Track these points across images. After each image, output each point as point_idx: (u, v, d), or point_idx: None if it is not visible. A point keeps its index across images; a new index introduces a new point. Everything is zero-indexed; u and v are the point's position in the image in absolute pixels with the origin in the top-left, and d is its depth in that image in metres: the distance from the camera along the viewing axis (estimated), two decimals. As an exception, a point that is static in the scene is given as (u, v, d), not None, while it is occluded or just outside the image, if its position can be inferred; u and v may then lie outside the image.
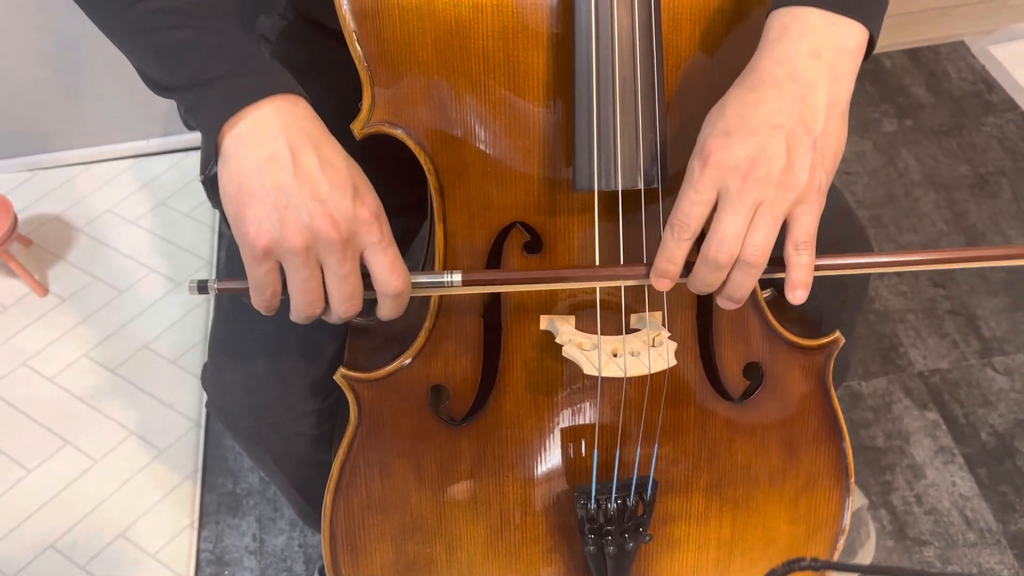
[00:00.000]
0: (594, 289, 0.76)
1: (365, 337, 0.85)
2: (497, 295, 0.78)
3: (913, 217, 1.68)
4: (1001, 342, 1.51)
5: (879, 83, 1.88)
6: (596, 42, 0.66)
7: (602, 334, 0.75)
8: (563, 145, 0.71)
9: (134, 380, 1.50)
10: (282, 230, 0.62)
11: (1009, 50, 1.92)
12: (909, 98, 1.86)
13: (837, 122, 0.64)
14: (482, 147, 0.72)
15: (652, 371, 0.74)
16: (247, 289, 0.67)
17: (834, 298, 0.89)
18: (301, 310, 0.66)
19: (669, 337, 0.75)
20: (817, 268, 0.66)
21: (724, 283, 0.66)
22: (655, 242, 0.74)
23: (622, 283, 0.72)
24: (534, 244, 0.76)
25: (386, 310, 0.68)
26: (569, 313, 0.78)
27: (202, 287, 0.68)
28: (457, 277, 0.68)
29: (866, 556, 1.27)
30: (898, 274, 1.60)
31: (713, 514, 0.86)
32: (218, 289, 0.69)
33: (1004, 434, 1.41)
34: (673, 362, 0.74)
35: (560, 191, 0.73)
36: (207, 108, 0.64)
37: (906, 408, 1.45)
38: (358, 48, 0.68)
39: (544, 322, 0.78)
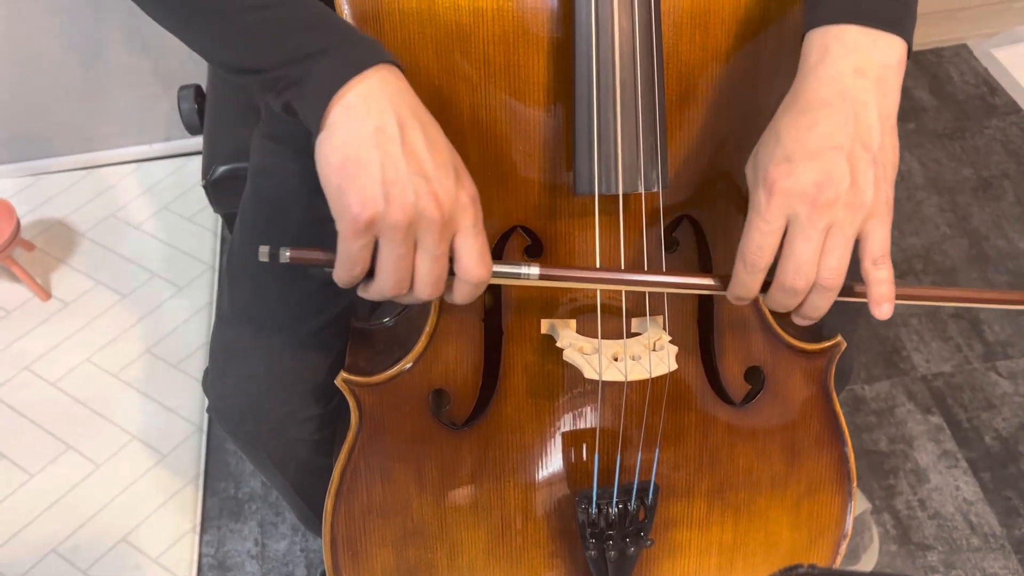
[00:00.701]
0: (595, 292, 0.75)
1: (366, 341, 0.85)
2: (498, 298, 0.78)
3: (916, 220, 1.68)
4: (1005, 346, 1.51)
5: (882, 86, 1.88)
6: (596, 46, 0.66)
7: (603, 338, 0.75)
8: (564, 149, 0.71)
9: (136, 385, 1.50)
10: (387, 205, 0.61)
11: (1012, 53, 1.92)
12: (912, 101, 1.86)
13: (891, 135, 0.64)
14: (482, 151, 0.72)
15: (653, 375, 0.74)
16: (324, 260, 0.65)
17: (835, 303, 0.89)
18: (388, 289, 0.64)
19: (670, 341, 0.75)
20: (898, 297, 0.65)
21: (801, 303, 0.66)
22: (655, 246, 0.74)
23: (704, 292, 0.71)
24: (535, 248, 0.76)
25: (461, 296, 0.66)
26: (570, 317, 0.78)
27: (273, 255, 0.65)
28: (535, 270, 0.67)
29: (869, 561, 1.27)
30: (902, 278, 1.60)
31: (715, 519, 0.86)
32: (291, 258, 0.66)
33: (1008, 438, 1.41)
34: (674, 366, 0.74)
35: (561, 195, 0.73)
36: (314, 81, 0.62)
37: (909, 412, 1.44)
38: (359, 52, 0.68)
39: (545, 326, 0.78)
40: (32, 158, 1.80)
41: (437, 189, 0.62)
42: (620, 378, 0.74)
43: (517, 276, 0.67)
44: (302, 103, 0.63)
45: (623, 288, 0.74)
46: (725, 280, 0.68)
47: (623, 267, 0.74)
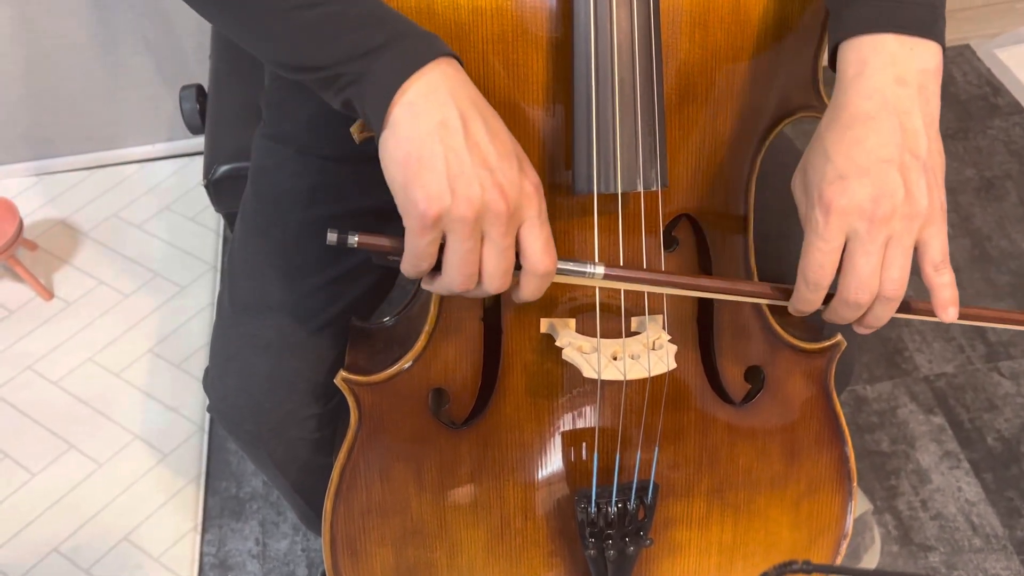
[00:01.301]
0: (594, 291, 0.75)
1: (366, 341, 0.85)
2: (498, 297, 0.78)
3: (918, 221, 1.67)
4: (1007, 347, 1.51)
5: (884, 87, 1.88)
6: (595, 44, 0.66)
7: (602, 337, 0.75)
8: (563, 148, 0.71)
9: (138, 384, 1.50)
10: (453, 199, 0.61)
11: (1015, 53, 1.92)
12: (914, 102, 1.85)
13: (936, 140, 0.64)
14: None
15: (652, 374, 0.74)
16: (390, 248, 0.65)
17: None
18: (456, 284, 0.64)
19: (670, 340, 0.75)
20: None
21: (863, 315, 0.67)
22: (654, 246, 0.74)
23: (759, 301, 0.71)
24: (534, 247, 0.76)
25: (529, 290, 0.65)
26: (570, 316, 0.78)
27: (341, 240, 0.65)
28: (600, 269, 0.68)
29: (871, 561, 1.26)
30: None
31: (714, 518, 0.86)
32: (359, 243, 0.65)
33: (1010, 439, 1.41)
34: (673, 365, 0.74)
35: (560, 194, 0.73)
36: (374, 78, 0.62)
37: (911, 412, 1.44)
38: (357, 51, 0.68)
39: (544, 325, 0.78)
40: (35, 158, 1.80)
41: (502, 180, 0.62)
42: (619, 377, 0.74)
43: (583, 274, 0.67)
44: (362, 101, 0.62)
45: (683, 292, 0.74)
46: (784, 291, 0.69)
47: (663, 271, 0.74)
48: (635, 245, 0.73)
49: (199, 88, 1.25)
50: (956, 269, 1.58)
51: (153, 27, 1.65)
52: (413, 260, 0.64)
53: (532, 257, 0.64)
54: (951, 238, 1.61)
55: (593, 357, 0.74)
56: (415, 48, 0.62)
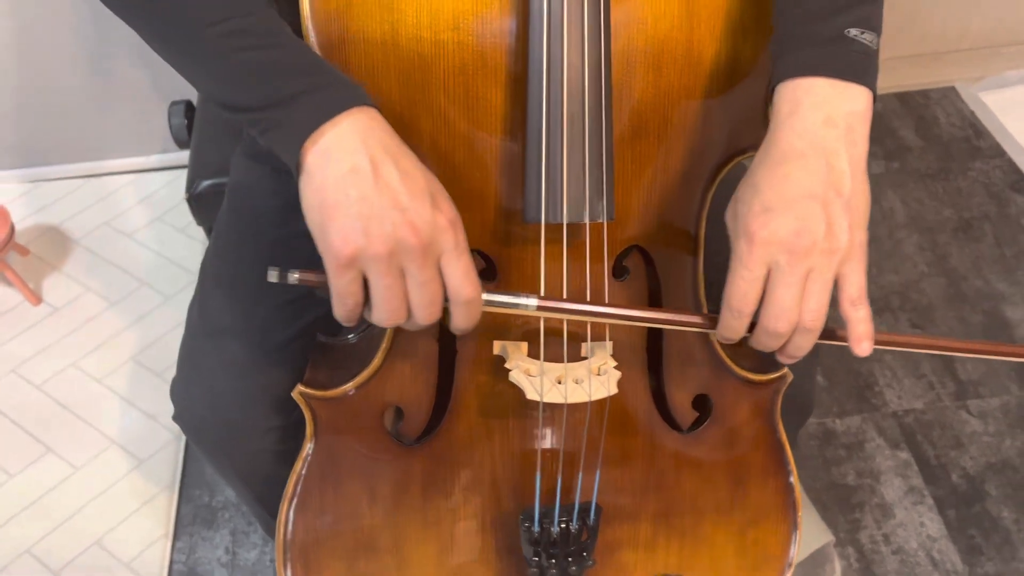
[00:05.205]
0: (539, 317, 0.78)
1: (327, 356, 0.87)
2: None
3: (895, 258, 1.70)
4: (976, 385, 1.53)
5: (868, 125, 1.90)
6: (547, 80, 0.69)
7: (553, 361, 0.77)
8: (519, 177, 0.74)
9: (119, 391, 1.53)
10: (366, 239, 0.64)
11: (999, 97, 1.95)
12: (897, 141, 1.88)
13: (861, 180, 0.67)
14: (441, 176, 0.74)
15: (592, 398, 0.76)
16: (325, 284, 0.68)
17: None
18: (384, 318, 0.67)
19: (616, 366, 0.77)
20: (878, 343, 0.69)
21: (785, 344, 0.69)
22: (600, 275, 0.77)
23: (690, 329, 0.74)
24: (489, 272, 0.78)
25: (459, 319, 0.69)
26: (522, 339, 0.80)
27: (282, 275, 0.68)
28: (533, 301, 0.70)
29: (830, 593, 1.28)
30: (879, 315, 1.62)
31: (660, 542, 0.87)
32: (299, 279, 0.69)
33: (975, 477, 1.42)
34: (614, 391, 0.76)
35: (514, 222, 0.75)
36: (288, 126, 0.65)
37: (878, 447, 1.46)
38: (323, 79, 0.71)
39: (497, 347, 0.80)
40: (31, 165, 1.83)
41: (414, 218, 0.65)
42: (560, 400, 0.76)
43: (515, 305, 0.70)
44: (280, 147, 0.66)
45: (614, 322, 0.77)
46: (711, 319, 0.72)
47: (607, 300, 0.77)
48: (580, 274, 0.76)
49: (188, 104, 1.28)
50: (930, 307, 1.62)
51: (151, 42, 1.69)
52: (340, 299, 0.67)
53: (453, 286, 0.67)
54: (927, 276, 1.65)
55: (538, 380, 0.76)
56: (331, 98, 0.65)
